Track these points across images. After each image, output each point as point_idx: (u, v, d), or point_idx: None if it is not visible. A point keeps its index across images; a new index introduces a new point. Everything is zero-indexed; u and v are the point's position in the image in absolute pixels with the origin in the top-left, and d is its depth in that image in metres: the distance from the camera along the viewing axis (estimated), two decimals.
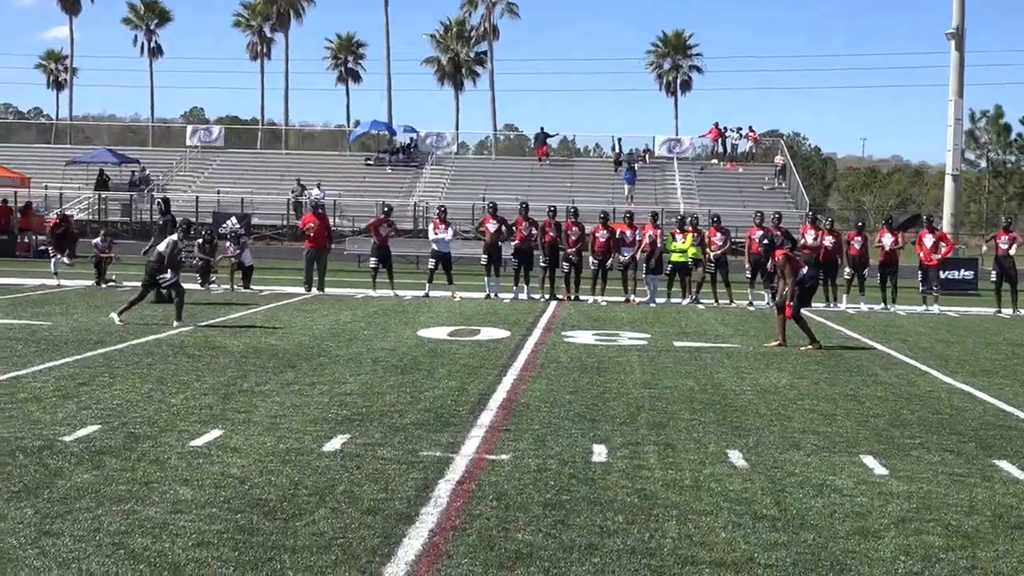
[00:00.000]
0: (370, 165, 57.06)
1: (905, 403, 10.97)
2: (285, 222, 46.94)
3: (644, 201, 47.93)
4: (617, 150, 56.76)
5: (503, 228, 23.73)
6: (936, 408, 10.74)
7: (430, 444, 8.31)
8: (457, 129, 69.34)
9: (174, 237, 16.72)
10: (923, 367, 13.86)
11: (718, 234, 23.48)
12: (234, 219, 40.91)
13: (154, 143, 65.52)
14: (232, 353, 13.26)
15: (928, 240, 23.60)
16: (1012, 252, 23.13)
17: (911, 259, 25.04)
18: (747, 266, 23.55)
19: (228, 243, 25.29)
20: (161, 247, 16.56)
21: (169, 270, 16.24)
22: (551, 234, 23.38)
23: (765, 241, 21.02)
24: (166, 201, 24.43)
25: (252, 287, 24.17)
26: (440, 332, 16.34)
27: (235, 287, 24.05)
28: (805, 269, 15.66)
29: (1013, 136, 77.95)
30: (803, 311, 15.60)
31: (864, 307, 22.98)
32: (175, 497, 6.64)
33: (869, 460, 8.21)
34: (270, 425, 8.85)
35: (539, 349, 14.63)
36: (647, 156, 56.70)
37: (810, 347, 15.21)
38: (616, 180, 52.79)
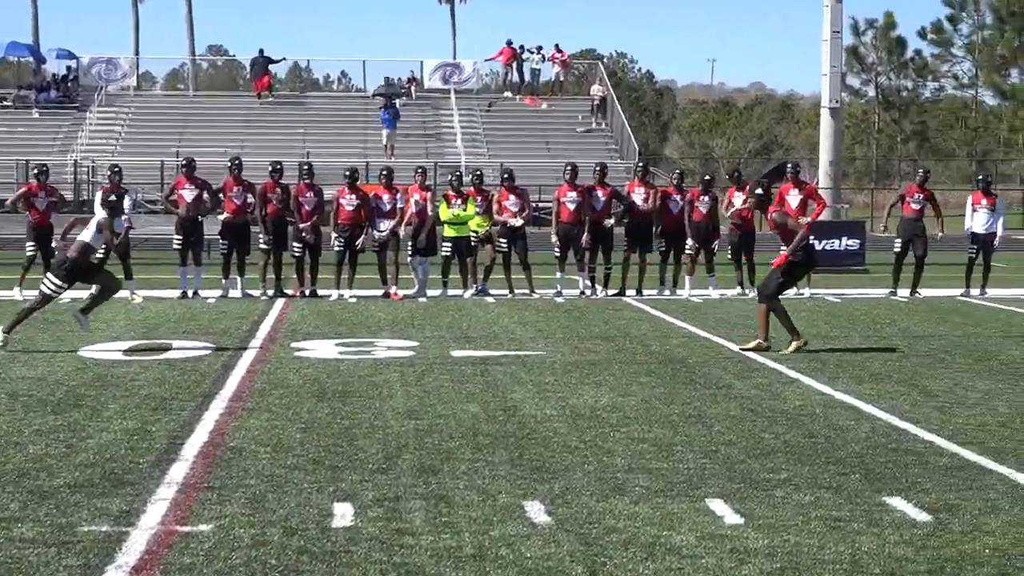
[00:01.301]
0: (7, 107, 55.57)
1: (767, 424, 11.34)
2: None
3: (410, 152, 48.17)
4: (379, 85, 56.63)
5: (205, 196, 23.38)
6: (809, 429, 11.14)
7: (94, 515, 8.11)
8: (137, 54, 68.33)
9: None
10: (791, 373, 14.38)
11: (512, 197, 23.71)
12: None
13: None
14: None
15: (794, 198, 24.19)
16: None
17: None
18: (555, 240, 23.85)
19: None
20: None
21: None
22: (275, 203, 23.17)
23: (584, 217, 21.02)
24: None
25: None
26: (113, 350, 16.05)
27: None
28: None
29: (909, 54, 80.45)
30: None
31: (714, 293, 23.66)
32: None
33: (718, 505, 8.44)
34: None
35: (258, 368, 14.54)
36: (413, 88, 56.95)
37: (750, 344, 15.64)
38: (370, 122, 52.85)
